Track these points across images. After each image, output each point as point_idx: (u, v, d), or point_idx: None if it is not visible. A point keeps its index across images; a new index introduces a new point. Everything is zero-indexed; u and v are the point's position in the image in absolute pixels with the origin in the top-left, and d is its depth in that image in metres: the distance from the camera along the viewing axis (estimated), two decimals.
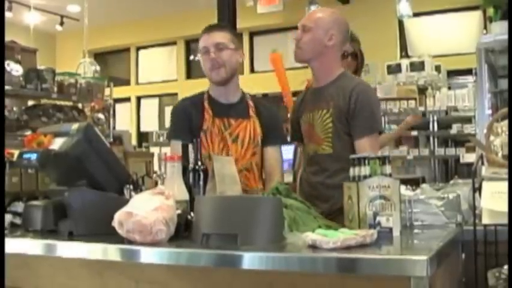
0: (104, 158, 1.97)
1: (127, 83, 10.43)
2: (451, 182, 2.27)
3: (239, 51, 2.56)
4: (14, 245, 1.79)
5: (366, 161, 1.78)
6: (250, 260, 1.47)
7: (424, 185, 2.21)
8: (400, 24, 8.11)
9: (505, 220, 1.61)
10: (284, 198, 1.90)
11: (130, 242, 1.61)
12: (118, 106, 8.79)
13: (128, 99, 10.34)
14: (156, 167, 2.53)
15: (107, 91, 6.00)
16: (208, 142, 2.47)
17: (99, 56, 9.72)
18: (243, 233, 1.56)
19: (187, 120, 2.53)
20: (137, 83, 10.61)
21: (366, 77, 5.12)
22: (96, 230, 1.77)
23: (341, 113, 2.42)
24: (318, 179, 2.50)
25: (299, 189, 2.62)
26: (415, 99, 6.06)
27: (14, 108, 4.92)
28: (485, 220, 1.69)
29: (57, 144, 1.94)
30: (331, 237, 1.48)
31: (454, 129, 6.60)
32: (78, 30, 7.62)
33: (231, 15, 5.27)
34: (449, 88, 6.84)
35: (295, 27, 2.57)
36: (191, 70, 10.09)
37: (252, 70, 9.45)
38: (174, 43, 10.25)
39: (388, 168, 1.77)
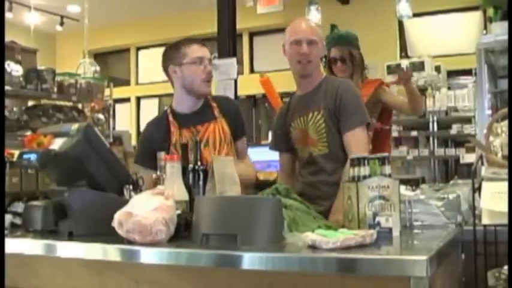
0: (104, 158, 1.97)
1: (127, 83, 10.41)
2: (451, 182, 2.27)
3: None
4: (14, 245, 1.79)
5: (366, 161, 1.79)
6: (250, 260, 1.47)
7: (424, 185, 2.21)
8: (400, 24, 8.10)
9: (504, 220, 1.61)
10: (284, 199, 1.91)
11: (130, 242, 1.62)
12: (118, 106, 8.78)
13: (127, 100, 10.32)
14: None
15: (107, 91, 6.00)
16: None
17: (99, 56, 9.70)
18: (242, 233, 1.56)
19: (149, 148, 2.46)
20: (137, 83, 10.59)
21: None
22: (96, 230, 1.77)
23: (331, 112, 2.51)
24: (319, 178, 2.54)
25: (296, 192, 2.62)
26: None
27: (14, 109, 4.93)
28: (485, 220, 1.69)
29: (57, 144, 1.94)
30: (330, 238, 1.48)
31: (454, 129, 6.62)
32: (78, 30, 7.62)
33: (231, 15, 5.25)
34: (449, 88, 6.86)
35: None
36: None
37: (252, 70, 9.44)
38: None
39: (387, 169, 1.77)
